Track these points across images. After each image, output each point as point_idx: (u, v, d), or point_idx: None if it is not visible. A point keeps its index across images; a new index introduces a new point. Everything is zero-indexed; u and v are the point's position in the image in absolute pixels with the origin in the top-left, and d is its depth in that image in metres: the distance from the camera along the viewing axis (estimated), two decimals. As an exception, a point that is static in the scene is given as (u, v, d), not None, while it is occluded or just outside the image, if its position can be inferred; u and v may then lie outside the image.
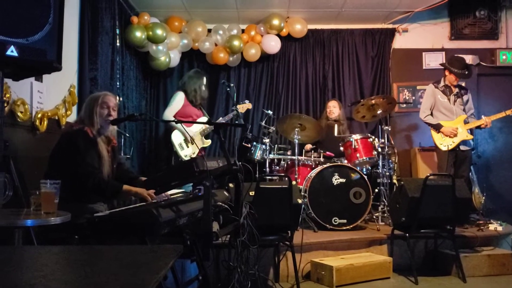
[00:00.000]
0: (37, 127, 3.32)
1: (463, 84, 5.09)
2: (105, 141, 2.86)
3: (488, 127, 4.78)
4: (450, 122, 4.76)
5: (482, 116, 4.74)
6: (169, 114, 4.90)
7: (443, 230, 3.89)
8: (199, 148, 4.78)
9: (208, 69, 5.90)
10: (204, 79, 5.07)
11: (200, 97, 5.02)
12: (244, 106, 5.21)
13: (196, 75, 5.10)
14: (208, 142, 5.10)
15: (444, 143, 4.72)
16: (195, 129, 4.98)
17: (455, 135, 4.68)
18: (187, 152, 4.87)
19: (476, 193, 4.91)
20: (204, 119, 4.99)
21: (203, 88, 5.03)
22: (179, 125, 4.70)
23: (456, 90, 4.84)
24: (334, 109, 5.46)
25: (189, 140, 4.85)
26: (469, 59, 5.61)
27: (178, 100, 4.96)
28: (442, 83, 4.87)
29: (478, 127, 4.76)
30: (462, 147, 4.74)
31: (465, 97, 4.87)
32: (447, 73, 4.82)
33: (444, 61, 5.41)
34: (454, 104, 4.80)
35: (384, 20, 6.08)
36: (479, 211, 4.90)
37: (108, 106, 2.83)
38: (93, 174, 2.65)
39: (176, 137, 4.86)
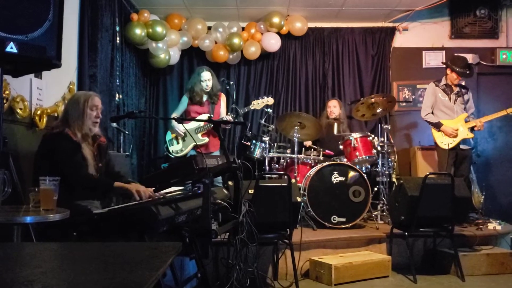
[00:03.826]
0: (36, 124, 3.32)
1: (463, 83, 5.10)
2: (90, 142, 2.78)
3: (481, 130, 4.78)
4: (451, 121, 4.76)
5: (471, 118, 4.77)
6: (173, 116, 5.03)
7: (442, 229, 3.89)
8: (192, 144, 4.91)
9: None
10: (203, 74, 4.88)
11: (199, 94, 4.90)
12: (262, 102, 5.11)
13: (195, 73, 5.07)
14: (205, 140, 4.92)
15: (445, 142, 4.72)
16: (189, 127, 4.90)
17: (455, 136, 4.68)
18: (174, 148, 5.02)
19: (476, 192, 4.92)
20: (205, 116, 4.93)
21: (203, 83, 4.88)
22: (173, 122, 4.92)
23: (457, 89, 4.84)
24: (334, 109, 5.45)
25: (178, 137, 4.99)
26: (469, 58, 5.60)
27: (182, 102, 5.10)
28: (443, 82, 4.88)
29: (473, 128, 4.76)
30: (462, 146, 4.75)
31: (466, 96, 4.87)
32: (448, 71, 4.82)
33: (445, 60, 5.40)
34: (454, 103, 4.80)
35: (384, 19, 6.08)
36: (478, 210, 4.90)
37: (97, 108, 2.78)
38: (80, 172, 2.58)
39: (169, 133, 5.10)
